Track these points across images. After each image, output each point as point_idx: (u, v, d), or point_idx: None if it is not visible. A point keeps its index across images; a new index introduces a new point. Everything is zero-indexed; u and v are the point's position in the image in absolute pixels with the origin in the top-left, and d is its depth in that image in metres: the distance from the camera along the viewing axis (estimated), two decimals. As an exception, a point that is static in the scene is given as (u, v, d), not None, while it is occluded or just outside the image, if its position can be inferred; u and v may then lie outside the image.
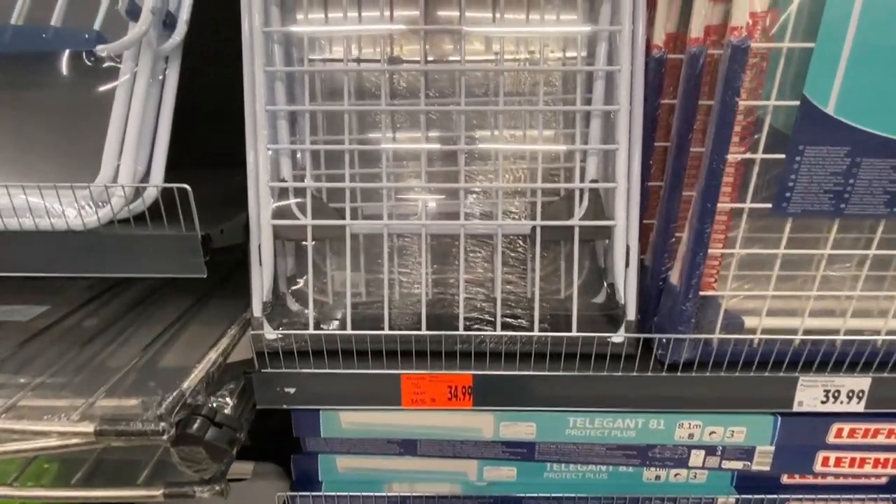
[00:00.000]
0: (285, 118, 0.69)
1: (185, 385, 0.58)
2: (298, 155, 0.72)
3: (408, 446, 0.76)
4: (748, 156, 0.58)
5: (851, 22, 0.51)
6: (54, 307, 0.81)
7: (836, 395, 0.67)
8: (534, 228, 0.68)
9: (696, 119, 0.61)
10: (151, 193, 0.61)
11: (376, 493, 0.76)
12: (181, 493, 0.60)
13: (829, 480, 0.77)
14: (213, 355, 0.64)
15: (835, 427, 0.71)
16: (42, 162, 0.67)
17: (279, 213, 0.68)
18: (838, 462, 0.73)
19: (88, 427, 0.51)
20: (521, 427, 0.71)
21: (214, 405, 0.62)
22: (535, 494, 0.76)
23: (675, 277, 0.66)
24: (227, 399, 0.65)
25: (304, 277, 0.75)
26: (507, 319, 0.69)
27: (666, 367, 0.67)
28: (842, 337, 0.65)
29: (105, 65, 0.64)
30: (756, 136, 0.58)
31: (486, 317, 0.71)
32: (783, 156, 0.56)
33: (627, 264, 0.67)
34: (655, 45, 0.64)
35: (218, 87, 0.78)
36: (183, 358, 0.69)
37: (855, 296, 0.64)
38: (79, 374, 0.65)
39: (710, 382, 0.66)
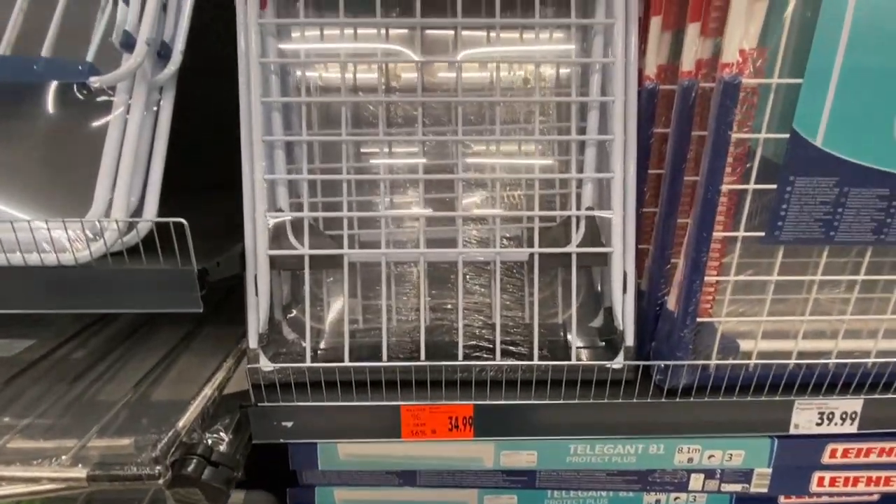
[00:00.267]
0: (281, 147, 0.69)
1: (181, 424, 0.56)
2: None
3: (407, 477, 0.75)
4: (741, 186, 0.59)
5: (837, 59, 0.53)
6: (41, 341, 0.79)
7: (831, 417, 0.68)
8: (532, 255, 0.68)
9: (690, 149, 0.62)
10: (146, 227, 0.60)
11: (375, 526, 0.75)
12: (176, 535, 0.59)
13: (825, 500, 0.78)
14: (208, 391, 0.63)
15: (829, 448, 0.72)
16: (30, 195, 0.65)
17: (276, 243, 0.67)
18: (833, 482, 0.74)
19: (81, 472, 0.50)
20: (523, 456, 0.70)
21: (210, 441, 0.61)
22: (537, 522, 0.76)
23: (672, 303, 0.66)
24: (223, 434, 0.63)
25: (300, 305, 0.75)
26: (507, 347, 0.69)
27: (665, 392, 0.67)
28: (834, 360, 0.66)
29: (99, 98, 0.63)
30: (748, 165, 0.59)
31: (485, 343, 0.71)
32: (774, 186, 0.58)
33: (625, 290, 0.67)
34: (647, 77, 0.66)
35: (200, 111, 0.77)
36: (176, 392, 0.67)
37: (845, 319, 0.66)
38: (69, 411, 0.63)
39: (709, 407, 0.67)
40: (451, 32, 0.70)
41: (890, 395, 0.68)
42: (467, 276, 0.76)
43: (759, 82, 0.55)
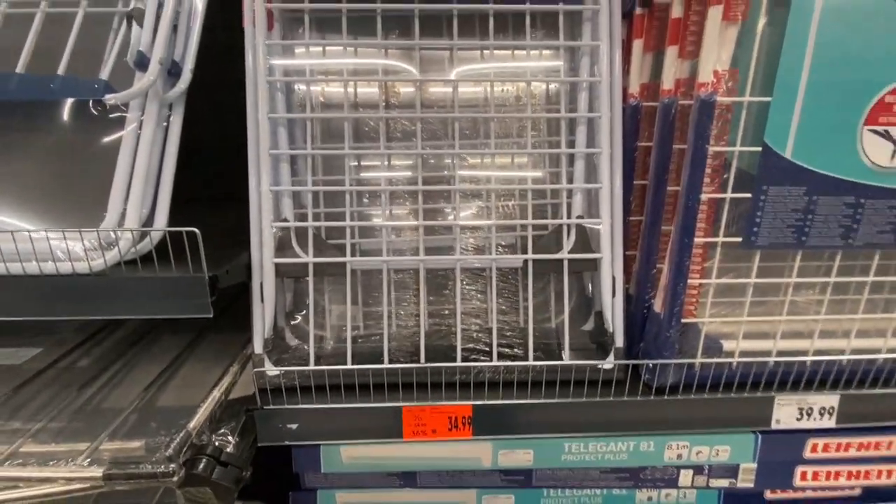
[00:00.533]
0: (286, 160, 0.72)
1: (192, 425, 0.58)
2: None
3: (407, 478, 0.77)
4: (719, 196, 0.63)
5: (802, 79, 0.58)
6: (48, 349, 0.80)
7: (810, 412, 0.72)
8: (526, 262, 0.72)
9: (671, 161, 0.67)
10: (158, 235, 0.63)
11: (376, 528, 0.76)
12: (184, 538, 0.60)
13: (809, 494, 0.81)
14: (216, 394, 0.65)
15: (810, 442, 0.75)
16: (44, 206, 0.67)
17: (280, 252, 0.70)
18: (815, 476, 0.78)
19: (97, 471, 0.51)
20: (519, 455, 0.73)
21: (217, 444, 0.63)
22: (533, 521, 0.78)
23: (658, 306, 0.70)
24: (229, 437, 0.65)
25: (302, 313, 0.77)
26: (503, 349, 0.73)
27: (654, 390, 0.71)
28: (811, 358, 0.70)
29: (113, 115, 0.66)
30: (725, 176, 0.64)
31: (482, 347, 0.74)
32: (750, 195, 0.62)
33: (614, 294, 0.71)
34: (631, 95, 0.71)
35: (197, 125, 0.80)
36: (183, 398, 0.69)
37: (820, 319, 0.70)
38: (78, 417, 0.64)
39: (695, 404, 0.71)
40: (447, 48, 0.74)
41: (865, 391, 0.72)
42: (464, 283, 0.80)
43: (733, 100, 0.60)
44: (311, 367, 0.69)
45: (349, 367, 0.69)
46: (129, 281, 0.60)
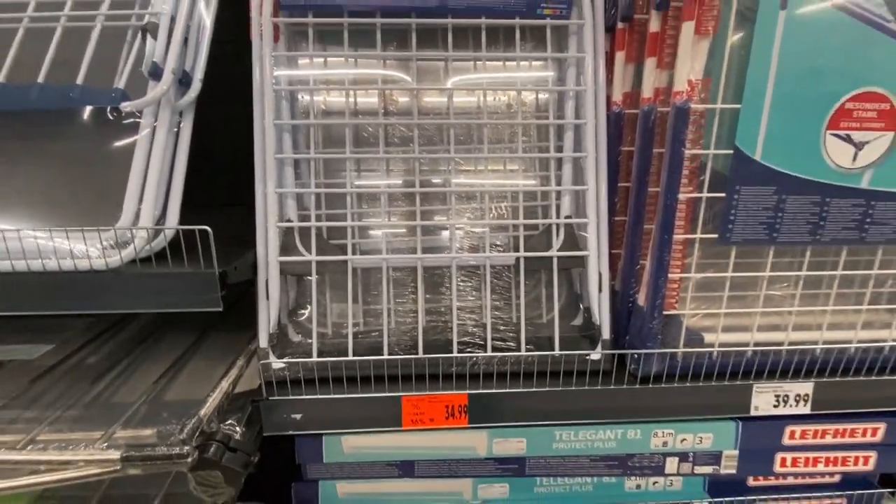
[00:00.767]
0: (290, 164, 0.77)
1: (203, 412, 0.62)
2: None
3: (406, 468, 0.80)
4: (696, 195, 0.68)
5: (769, 87, 0.63)
6: (59, 345, 0.83)
7: (786, 399, 0.76)
8: (518, 259, 0.76)
9: (652, 164, 0.72)
10: (171, 233, 0.67)
11: (376, 518, 0.79)
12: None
13: (790, 481, 0.85)
14: (224, 385, 0.69)
15: (788, 429, 0.79)
16: (61, 206, 0.71)
17: (285, 251, 0.74)
18: (794, 462, 0.82)
19: (115, 454, 0.54)
20: (513, 443, 0.77)
21: (226, 432, 0.66)
22: (527, 509, 0.81)
23: (641, 299, 0.75)
24: (236, 427, 0.68)
25: (304, 310, 0.81)
26: (497, 342, 0.76)
27: (639, 379, 0.75)
28: (786, 348, 0.75)
29: (127, 121, 0.70)
30: (701, 178, 0.69)
31: (477, 340, 0.78)
32: (724, 194, 0.67)
33: (600, 290, 0.76)
34: (615, 102, 0.76)
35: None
36: (191, 391, 0.72)
37: (794, 311, 0.75)
38: (92, 408, 0.67)
39: (678, 392, 0.75)
40: (441, 61, 0.79)
41: (837, 379, 0.76)
42: (460, 280, 0.84)
43: (706, 107, 0.65)
44: (315, 358, 0.72)
45: (351, 358, 0.72)
46: (143, 277, 0.64)
